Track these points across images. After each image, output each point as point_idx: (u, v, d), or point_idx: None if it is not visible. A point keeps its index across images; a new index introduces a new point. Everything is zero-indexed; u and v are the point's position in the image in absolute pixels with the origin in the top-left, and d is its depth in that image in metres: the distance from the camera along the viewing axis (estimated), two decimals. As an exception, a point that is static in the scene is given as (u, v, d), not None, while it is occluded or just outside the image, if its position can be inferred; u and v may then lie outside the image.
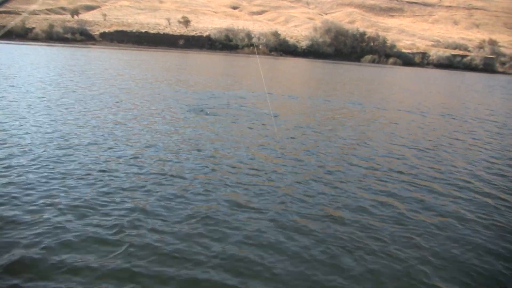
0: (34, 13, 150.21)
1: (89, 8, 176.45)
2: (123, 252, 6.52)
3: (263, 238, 7.34)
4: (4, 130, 13.64)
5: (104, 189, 9.07)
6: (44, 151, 11.61)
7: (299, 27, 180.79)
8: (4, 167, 9.98)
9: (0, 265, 5.98)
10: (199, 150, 12.69)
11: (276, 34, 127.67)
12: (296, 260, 6.74)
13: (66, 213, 7.78)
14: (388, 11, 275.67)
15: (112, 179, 9.70)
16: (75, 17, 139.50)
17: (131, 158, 11.41)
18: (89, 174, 9.94)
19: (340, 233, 7.85)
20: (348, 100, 29.26)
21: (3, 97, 20.36)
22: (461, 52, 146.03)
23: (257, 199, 9.10)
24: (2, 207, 7.79)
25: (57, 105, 19.18)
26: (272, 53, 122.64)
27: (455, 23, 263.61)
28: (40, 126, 14.52)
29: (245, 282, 6.04)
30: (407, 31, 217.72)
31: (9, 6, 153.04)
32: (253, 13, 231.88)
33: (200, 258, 6.52)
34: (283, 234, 7.58)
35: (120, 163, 10.91)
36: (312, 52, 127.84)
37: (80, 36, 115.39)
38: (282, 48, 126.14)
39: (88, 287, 5.68)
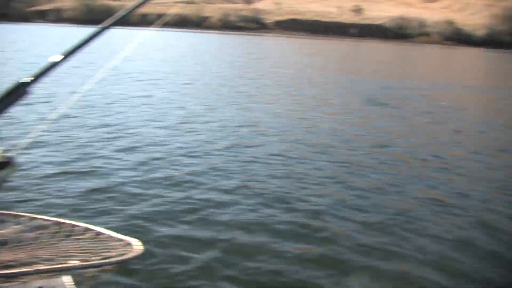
0: (210, 2, 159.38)
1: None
2: (323, 240, 6.22)
3: (469, 238, 6.84)
4: (191, 115, 14.21)
5: (295, 176, 8.91)
6: (234, 137, 11.78)
7: (476, 15, 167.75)
8: (192, 152, 10.10)
9: (205, 243, 5.89)
10: (381, 142, 12.16)
11: (450, 23, 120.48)
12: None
13: (259, 197, 7.65)
14: None
15: (302, 167, 9.50)
16: (249, 6, 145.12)
17: (316, 146, 11.22)
18: (277, 162, 9.86)
19: None
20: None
21: (186, 84, 21.68)
22: None
23: (454, 197, 8.57)
24: (201, 190, 7.69)
25: (239, 92, 19.74)
26: (447, 42, 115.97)
27: None
28: (224, 114, 14.88)
29: (452, 282, 5.74)
30: None
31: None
32: (427, 1, 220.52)
33: (401, 251, 6.27)
34: (488, 235, 6.73)
35: (306, 152, 10.74)
36: (490, 41, 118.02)
37: (254, 25, 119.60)
38: (457, 37, 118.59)
39: (288, 272, 5.45)
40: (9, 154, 0.94)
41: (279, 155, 10.33)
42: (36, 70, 1.04)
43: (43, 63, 1.09)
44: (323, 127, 13.63)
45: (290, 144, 11.59)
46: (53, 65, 1.13)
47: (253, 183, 8.38)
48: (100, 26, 1.24)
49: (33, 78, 1.08)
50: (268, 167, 9.43)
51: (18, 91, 1.06)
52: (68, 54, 1.17)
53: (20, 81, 1.05)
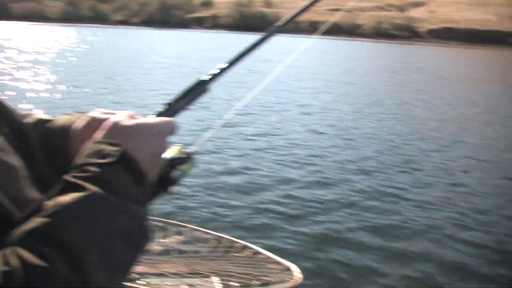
0: (363, 10, 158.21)
1: (417, 5, 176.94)
2: (474, 253, 6.04)
3: None
4: (356, 126, 14.01)
5: (454, 188, 8.70)
6: (405, 151, 11.50)
7: None
8: (362, 167, 9.84)
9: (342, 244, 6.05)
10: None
11: None
12: None
13: (409, 204, 7.65)
14: None
15: (465, 181, 9.18)
16: (402, 13, 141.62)
17: (479, 160, 10.94)
18: (437, 171, 9.67)
19: None
20: None
21: (344, 93, 21.64)
22: None
23: None
24: (370, 207, 7.55)
25: (401, 104, 19.27)
26: None
27: None
28: (390, 126, 14.55)
29: None
30: None
31: (339, 3, 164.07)
32: None
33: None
34: None
35: (469, 164, 10.44)
36: None
37: (407, 33, 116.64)
38: None
39: (438, 278, 5.41)
40: (188, 150, 0.97)
41: (457, 171, 9.89)
42: (213, 69, 1.03)
43: (217, 65, 1.05)
44: (500, 144, 13.01)
45: (473, 161, 10.99)
46: (226, 68, 1.09)
47: (447, 201, 7.96)
48: (265, 33, 1.17)
49: (211, 77, 1.05)
50: (448, 186, 8.92)
51: (198, 89, 1.03)
52: (236, 60, 1.10)
53: (200, 79, 1.04)
